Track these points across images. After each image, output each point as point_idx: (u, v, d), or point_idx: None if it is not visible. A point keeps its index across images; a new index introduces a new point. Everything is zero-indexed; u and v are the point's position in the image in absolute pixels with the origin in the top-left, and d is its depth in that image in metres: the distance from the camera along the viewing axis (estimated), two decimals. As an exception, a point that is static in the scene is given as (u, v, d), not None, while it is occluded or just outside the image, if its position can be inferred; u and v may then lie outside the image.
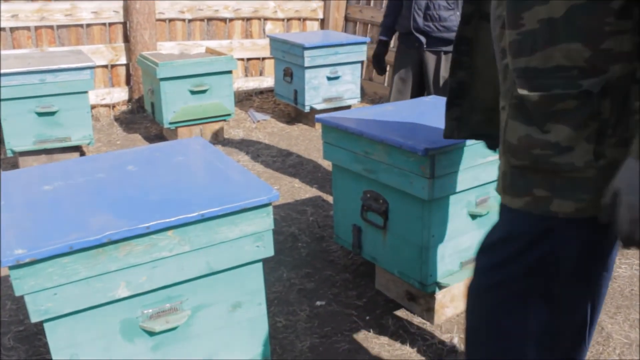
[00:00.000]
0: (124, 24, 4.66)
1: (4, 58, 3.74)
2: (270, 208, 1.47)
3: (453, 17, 2.86)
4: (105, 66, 4.69)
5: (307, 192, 3.37)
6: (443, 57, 2.93)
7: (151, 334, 1.45)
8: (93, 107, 4.66)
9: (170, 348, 1.50)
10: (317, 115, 2.29)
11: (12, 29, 4.33)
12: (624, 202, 0.99)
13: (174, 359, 1.51)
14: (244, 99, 5.21)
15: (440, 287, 2.02)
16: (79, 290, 1.31)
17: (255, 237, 1.47)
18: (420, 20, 2.90)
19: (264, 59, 5.36)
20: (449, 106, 1.42)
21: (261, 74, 5.43)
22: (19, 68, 3.34)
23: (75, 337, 1.37)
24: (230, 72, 4.06)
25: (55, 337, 1.34)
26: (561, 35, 1.04)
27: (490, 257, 1.25)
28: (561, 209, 1.11)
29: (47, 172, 1.71)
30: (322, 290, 2.36)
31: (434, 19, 2.88)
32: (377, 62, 3.24)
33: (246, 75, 5.35)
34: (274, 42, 4.63)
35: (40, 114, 3.46)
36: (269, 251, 1.51)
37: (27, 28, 4.38)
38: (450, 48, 2.83)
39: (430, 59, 2.96)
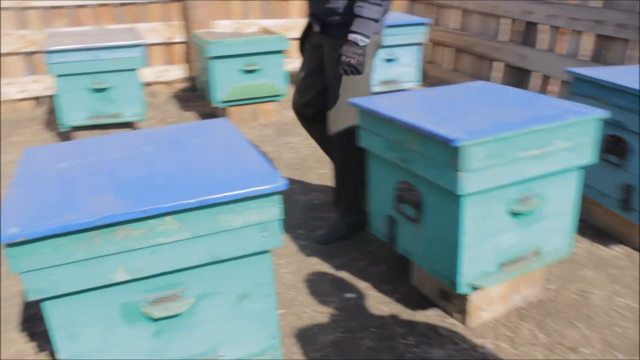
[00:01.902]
0: (182, 2, 4.67)
1: (66, 35, 3.84)
2: (277, 197, 1.38)
3: None
4: (163, 44, 4.73)
5: (352, 178, 3.25)
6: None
7: (152, 319, 1.41)
8: (150, 84, 4.73)
9: (173, 335, 1.45)
10: (348, 99, 2.16)
11: (75, 7, 4.44)
12: None
13: (176, 346, 1.46)
14: (300, 79, 5.12)
15: (474, 288, 1.87)
16: (75, 271, 1.27)
17: (261, 226, 1.38)
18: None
19: (322, 39, 5.24)
20: None
21: (319, 54, 5.31)
22: (74, 45, 3.40)
23: (74, 318, 1.34)
24: (281, 51, 3.98)
25: (53, 317, 1.32)
26: None
27: None
28: None
29: (68, 150, 1.69)
30: (354, 282, 2.26)
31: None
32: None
33: (304, 56, 5.25)
34: (331, 21, 4.50)
35: (93, 90, 3.52)
36: (276, 242, 1.42)
37: (89, 6, 4.48)
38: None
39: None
